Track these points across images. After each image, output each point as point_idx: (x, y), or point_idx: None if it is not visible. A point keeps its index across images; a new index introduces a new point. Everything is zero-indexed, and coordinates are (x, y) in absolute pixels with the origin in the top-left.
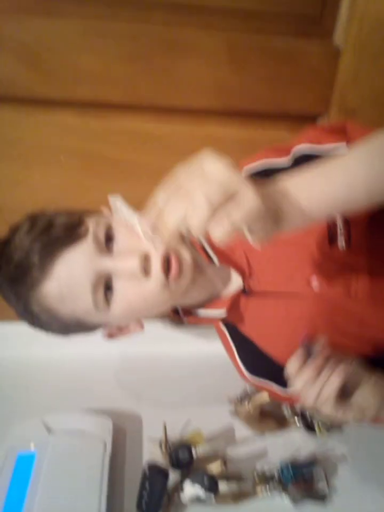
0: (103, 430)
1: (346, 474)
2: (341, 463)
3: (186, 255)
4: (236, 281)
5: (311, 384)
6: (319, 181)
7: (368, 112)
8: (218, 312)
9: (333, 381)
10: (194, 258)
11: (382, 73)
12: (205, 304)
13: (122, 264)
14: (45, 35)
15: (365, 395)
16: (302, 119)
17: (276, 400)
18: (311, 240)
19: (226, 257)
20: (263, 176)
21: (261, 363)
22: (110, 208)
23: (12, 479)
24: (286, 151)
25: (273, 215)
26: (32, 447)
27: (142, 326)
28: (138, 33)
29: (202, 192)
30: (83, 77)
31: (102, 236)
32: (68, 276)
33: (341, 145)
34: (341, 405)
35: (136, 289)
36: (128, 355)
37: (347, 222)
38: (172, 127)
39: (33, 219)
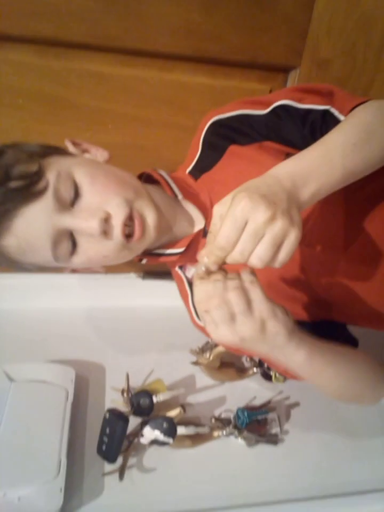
0: (65, 379)
1: (298, 419)
2: (294, 408)
3: (150, 217)
4: (198, 223)
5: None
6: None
7: (340, 64)
8: (176, 251)
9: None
10: (159, 215)
11: (356, 24)
12: (166, 245)
13: (82, 224)
14: None
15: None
16: (274, 70)
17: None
18: None
19: (191, 197)
20: (238, 124)
21: None
22: (72, 145)
23: None
24: (263, 105)
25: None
26: None
27: (103, 269)
28: None
29: (256, 256)
30: (43, 11)
31: (65, 192)
32: (27, 233)
33: (325, 109)
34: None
35: (96, 248)
36: (92, 307)
37: None
38: (138, 71)
39: None
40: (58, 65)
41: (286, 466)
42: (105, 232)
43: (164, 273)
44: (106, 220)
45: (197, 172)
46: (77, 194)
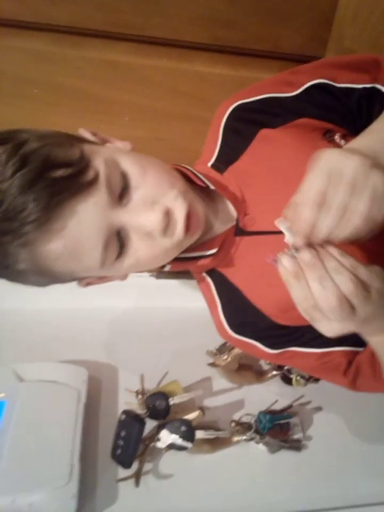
0: (77, 380)
1: (321, 425)
2: (316, 413)
3: (200, 210)
4: (230, 220)
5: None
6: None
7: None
8: (208, 252)
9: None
10: (205, 208)
11: (383, 14)
12: (193, 247)
13: (142, 219)
14: None
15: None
16: (296, 60)
17: (259, 358)
18: None
19: (220, 191)
20: (265, 106)
21: (247, 318)
22: (91, 135)
23: None
24: (292, 86)
25: None
26: (2, 395)
27: (126, 276)
28: None
29: (359, 212)
30: None
31: (116, 183)
32: (77, 232)
33: (370, 86)
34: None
35: (151, 248)
36: (104, 307)
37: None
38: (156, 61)
39: (17, 149)
40: (73, 54)
41: (309, 474)
42: (166, 228)
43: (178, 272)
44: (167, 213)
45: (221, 164)
46: (126, 186)
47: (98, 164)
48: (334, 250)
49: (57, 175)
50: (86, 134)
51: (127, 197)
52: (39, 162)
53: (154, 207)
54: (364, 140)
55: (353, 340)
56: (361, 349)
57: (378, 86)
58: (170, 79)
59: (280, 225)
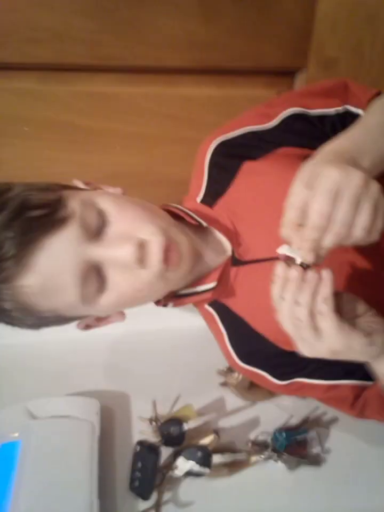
0: (90, 412)
1: (339, 437)
2: (333, 425)
3: (184, 245)
4: (225, 252)
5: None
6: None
7: (348, 62)
8: (208, 286)
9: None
10: (192, 243)
11: (361, 20)
12: (193, 283)
13: (114, 252)
14: None
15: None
16: (280, 74)
17: (268, 389)
18: None
19: (212, 225)
20: (246, 140)
21: (254, 347)
22: (83, 184)
23: None
24: (268, 117)
25: None
26: (16, 435)
27: (123, 316)
28: None
29: (361, 226)
30: (42, 36)
31: (92, 221)
32: (52, 268)
33: (340, 110)
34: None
35: (130, 281)
36: (111, 334)
37: None
38: (141, 88)
39: (0, 196)
40: (61, 90)
41: (331, 488)
42: (141, 259)
43: None
44: (141, 246)
45: (210, 198)
46: (103, 223)
47: (74, 204)
48: (312, 280)
49: (32, 215)
50: (79, 184)
51: (104, 233)
52: (17, 205)
53: (128, 241)
54: (338, 141)
55: (362, 373)
56: (370, 383)
57: (348, 107)
58: (158, 104)
59: (284, 250)
